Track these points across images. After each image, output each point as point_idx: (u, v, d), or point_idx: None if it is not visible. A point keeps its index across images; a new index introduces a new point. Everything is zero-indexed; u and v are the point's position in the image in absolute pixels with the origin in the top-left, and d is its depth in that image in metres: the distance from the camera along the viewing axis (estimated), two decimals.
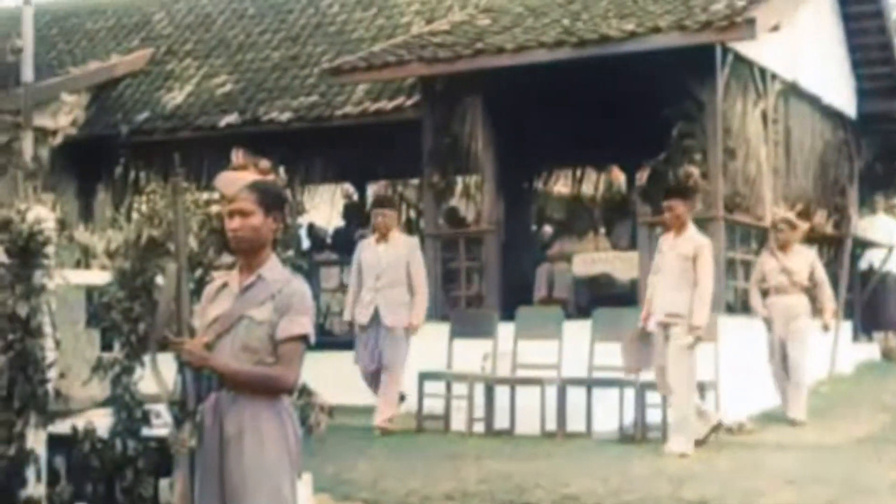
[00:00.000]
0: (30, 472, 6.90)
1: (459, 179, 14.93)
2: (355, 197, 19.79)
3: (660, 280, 11.13)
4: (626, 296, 13.73)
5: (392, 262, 12.36)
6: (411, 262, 12.42)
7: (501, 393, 12.38)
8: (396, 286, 12.31)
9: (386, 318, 12.22)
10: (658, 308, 11.04)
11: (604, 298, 13.51)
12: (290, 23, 19.18)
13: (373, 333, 12.29)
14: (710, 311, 10.96)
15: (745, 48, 13.80)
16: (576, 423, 11.86)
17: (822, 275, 13.23)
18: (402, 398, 12.56)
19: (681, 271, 10.89)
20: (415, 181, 18.95)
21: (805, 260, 13.17)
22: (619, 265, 14.29)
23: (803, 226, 13.36)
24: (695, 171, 13.42)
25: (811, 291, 13.12)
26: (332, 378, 12.06)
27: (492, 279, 14.51)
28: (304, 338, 5.05)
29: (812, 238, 16.46)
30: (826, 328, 13.18)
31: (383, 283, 12.31)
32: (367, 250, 12.58)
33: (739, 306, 13.77)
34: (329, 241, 18.29)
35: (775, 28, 14.08)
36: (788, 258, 13.04)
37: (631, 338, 11.45)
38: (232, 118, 16.88)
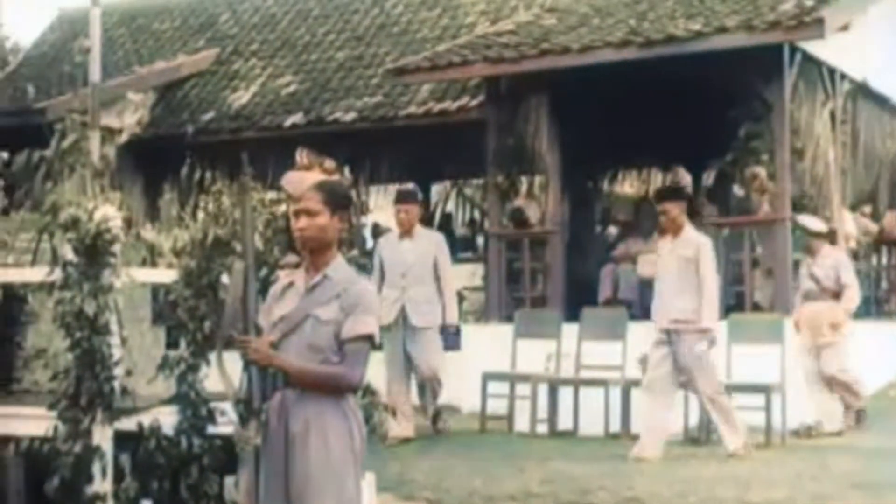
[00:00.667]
0: (96, 469, 6.93)
1: (524, 179, 14.91)
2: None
3: (662, 286, 10.80)
4: None
5: (418, 259, 11.83)
6: (439, 259, 11.92)
7: (565, 394, 12.32)
8: (424, 284, 11.77)
9: (414, 318, 11.69)
10: (662, 315, 10.66)
11: None
12: (355, 23, 19.23)
13: (399, 334, 11.70)
14: (718, 311, 10.72)
15: (814, 48, 13.66)
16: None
17: (848, 277, 12.36)
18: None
19: (683, 275, 10.53)
20: (479, 181, 18.98)
21: (831, 264, 12.38)
22: None
23: (818, 230, 12.76)
24: (761, 171, 13.32)
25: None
26: None
27: (556, 280, 14.48)
28: (369, 337, 5.06)
29: (881, 240, 16.31)
30: (834, 326, 12.21)
31: (409, 280, 11.76)
32: (389, 247, 12.11)
33: None
34: None
35: (844, 27, 13.94)
36: (815, 263, 12.40)
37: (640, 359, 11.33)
38: (297, 118, 16.94)
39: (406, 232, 12.02)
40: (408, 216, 12.00)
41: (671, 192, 11.41)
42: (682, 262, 10.55)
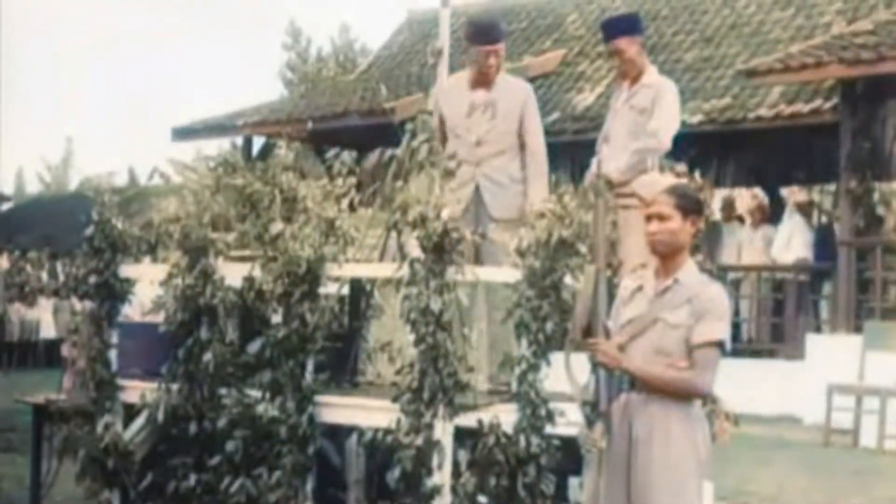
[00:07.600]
0: (435, 463, 7.02)
1: (877, 186, 14.44)
2: (765, 202, 19.36)
3: (606, 148, 8.20)
4: None
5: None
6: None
7: None
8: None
9: None
10: None
11: None
12: (704, 24, 19.00)
13: None
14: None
15: None
16: None
17: None
18: None
19: (634, 131, 7.97)
20: (830, 187, 18.46)
21: None
22: None
23: None
24: None
25: None
26: (737, 385, 11.86)
27: None
28: (720, 343, 4.95)
29: None
30: None
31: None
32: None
33: None
34: None
35: None
36: None
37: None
38: None
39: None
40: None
41: (620, 24, 8.48)
42: (635, 114, 8.04)
